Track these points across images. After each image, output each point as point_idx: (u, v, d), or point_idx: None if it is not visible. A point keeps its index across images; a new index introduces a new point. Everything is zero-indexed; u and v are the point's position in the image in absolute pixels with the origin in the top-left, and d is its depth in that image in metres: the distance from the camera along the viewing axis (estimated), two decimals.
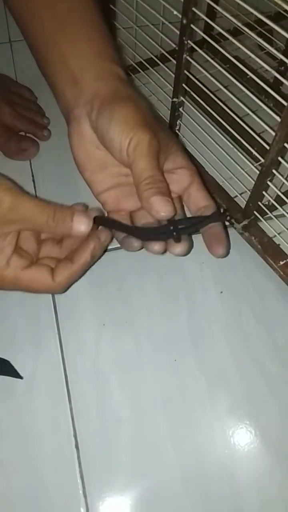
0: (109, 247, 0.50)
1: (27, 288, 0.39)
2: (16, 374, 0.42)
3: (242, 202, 0.50)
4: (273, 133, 0.39)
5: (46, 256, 0.41)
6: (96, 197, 0.43)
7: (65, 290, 0.42)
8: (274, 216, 0.47)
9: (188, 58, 0.46)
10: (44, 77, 0.44)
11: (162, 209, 0.36)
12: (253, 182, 0.45)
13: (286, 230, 0.47)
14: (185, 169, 0.41)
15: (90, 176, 0.42)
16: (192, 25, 0.43)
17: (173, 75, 0.49)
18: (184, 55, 0.46)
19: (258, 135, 0.44)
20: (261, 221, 0.48)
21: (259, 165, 0.44)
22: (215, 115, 0.48)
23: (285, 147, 0.39)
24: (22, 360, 0.43)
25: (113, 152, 0.38)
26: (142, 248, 0.40)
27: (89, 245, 0.39)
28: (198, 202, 0.41)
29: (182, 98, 0.50)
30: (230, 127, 0.47)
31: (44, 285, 0.39)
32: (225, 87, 0.44)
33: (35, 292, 0.40)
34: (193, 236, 0.51)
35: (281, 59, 0.36)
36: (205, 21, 0.43)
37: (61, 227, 0.37)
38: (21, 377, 0.42)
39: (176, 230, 0.38)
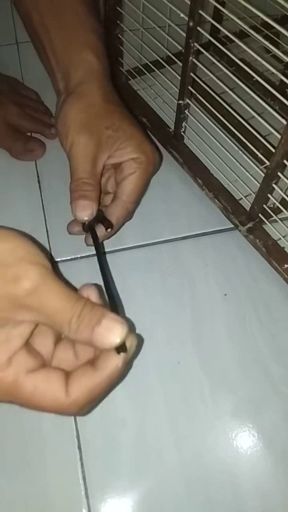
0: (113, 249, 0.50)
1: (27, 401, 0.29)
2: None
3: (247, 204, 0.50)
4: (279, 136, 0.39)
5: (58, 365, 0.32)
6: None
7: (84, 413, 0.33)
8: (279, 219, 0.47)
9: (194, 60, 0.46)
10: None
11: (79, 214, 0.41)
12: (258, 185, 0.45)
13: None
14: (132, 161, 0.42)
15: None
16: (198, 28, 0.43)
17: (179, 77, 0.49)
18: (190, 58, 0.46)
19: (264, 137, 0.44)
20: (266, 223, 0.48)
21: (265, 167, 0.44)
22: (220, 117, 0.48)
23: None
24: None
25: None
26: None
27: (117, 357, 0.29)
28: (122, 193, 0.43)
29: (187, 100, 0.50)
30: (236, 129, 0.47)
31: (52, 399, 0.29)
32: (231, 89, 0.44)
33: (38, 409, 0.29)
34: (198, 238, 0.51)
35: (287, 62, 0.36)
36: (212, 23, 0.43)
37: (83, 330, 0.28)
38: None
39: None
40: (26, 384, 0.28)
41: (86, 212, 0.41)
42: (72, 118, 0.41)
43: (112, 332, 0.28)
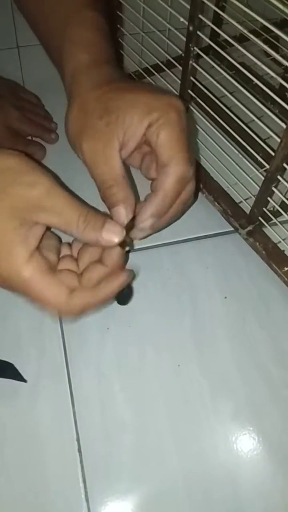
0: None
1: (34, 296, 0.34)
2: (20, 377, 0.42)
3: (247, 207, 0.50)
4: (278, 139, 0.39)
5: (65, 268, 0.37)
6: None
7: (75, 318, 0.37)
8: (279, 222, 0.47)
9: (194, 64, 0.46)
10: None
11: (120, 220, 0.37)
12: (258, 188, 0.45)
13: None
14: (150, 128, 0.37)
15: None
16: (198, 32, 0.43)
17: (179, 81, 0.50)
18: (190, 61, 0.46)
19: (263, 141, 0.44)
20: (265, 227, 0.48)
21: (264, 171, 0.44)
22: (220, 121, 0.48)
23: None
24: (26, 363, 0.43)
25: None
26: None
27: (120, 276, 0.36)
28: (161, 158, 0.38)
29: (188, 104, 0.50)
30: (236, 133, 0.47)
31: (55, 300, 0.34)
32: (230, 93, 0.44)
33: (41, 303, 0.34)
34: (198, 241, 0.52)
35: (287, 66, 0.37)
36: (211, 27, 0.43)
37: (90, 231, 0.34)
38: (25, 381, 0.42)
39: None
40: (38, 282, 0.33)
41: (123, 217, 0.38)
42: (72, 129, 0.39)
43: (114, 233, 0.34)
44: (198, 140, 0.54)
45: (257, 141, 0.45)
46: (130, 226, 0.39)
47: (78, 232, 0.34)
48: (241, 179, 0.49)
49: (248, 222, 0.49)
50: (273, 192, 0.44)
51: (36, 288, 0.33)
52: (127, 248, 0.37)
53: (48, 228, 0.36)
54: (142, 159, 0.42)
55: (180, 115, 0.38)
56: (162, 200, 0.39)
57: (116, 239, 0.34)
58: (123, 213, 0.37)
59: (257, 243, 0.48)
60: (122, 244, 0.36)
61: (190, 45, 0.45)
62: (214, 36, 0.56)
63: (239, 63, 0.42)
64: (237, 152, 0.48)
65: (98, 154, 0.38)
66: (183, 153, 0.38)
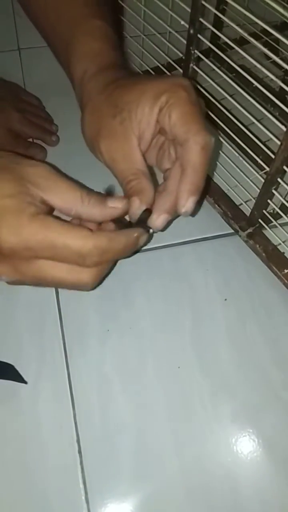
0: None
1: (57, 238, 0.32)
2: (20, 379, 0.42)
3: (247, 210, 0.50)
4: (279, 142, 0.39)
5: None
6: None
7: (97, 280, 0.36)
8: (279, 224, 0.47)
9: (195, 67, 0.47)
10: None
11: (137, 208, 0.38)
12: (258, 190, 0.45)
13: None
14: (162, 114, 0.37)
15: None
16: (199, 35, 0.43)
17: None
18: (191, 64, 0.46)
19: (264, 143, 0.45)
20: (266, 229, 0.49)
21: (264, 173, 0.44)
22: (220, 123, 0.48)
23: None
24: (26, 365, 0.43)
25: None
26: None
27: (135, 229, 0.36)
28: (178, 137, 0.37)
29: None
30: (236, 135, 0.47)
31: (80, 235, 0.32)
32: (230, 96, 0.44)
33: (65, 244, 0.32)
34: (198, 243, 0.52)
35: (287, 69, 0.37)
36: (212, 30, 0.44)
37: (95, 203, 0.35)
38: (25, 382, 0.42)
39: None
40: (56, 226, 0.32)
41: (135, 207, 0.38)
42: (88, 133, 0.40)
43: (119, 201, 0.36)
44: None
45: (257, 144, 0.45)
46: (144, 218, 0.39)
47: (84, 206, 0.35)
48: (241, 182, 0.49)
49: (248, 224, 0.49)
50: (273, 194, 0.44)
51: (55, 232, 0.32)
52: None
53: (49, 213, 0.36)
54: (157, 153, 0.42)
55: (188, 91, 0.37)
56: (195, 173, 0.37)
57: (120, 205, 0.36)
58: (136, 203, 0.38)
59: (257, 245, 0.49)
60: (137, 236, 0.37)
61: (191, 48, 0.45)
62: (214, 39, 0.56)
63: (239, 66, 0.42)
64: (237, 154, 0.48)
65: (117, 153, 0.38)
66: (200, 124, 0.36)
